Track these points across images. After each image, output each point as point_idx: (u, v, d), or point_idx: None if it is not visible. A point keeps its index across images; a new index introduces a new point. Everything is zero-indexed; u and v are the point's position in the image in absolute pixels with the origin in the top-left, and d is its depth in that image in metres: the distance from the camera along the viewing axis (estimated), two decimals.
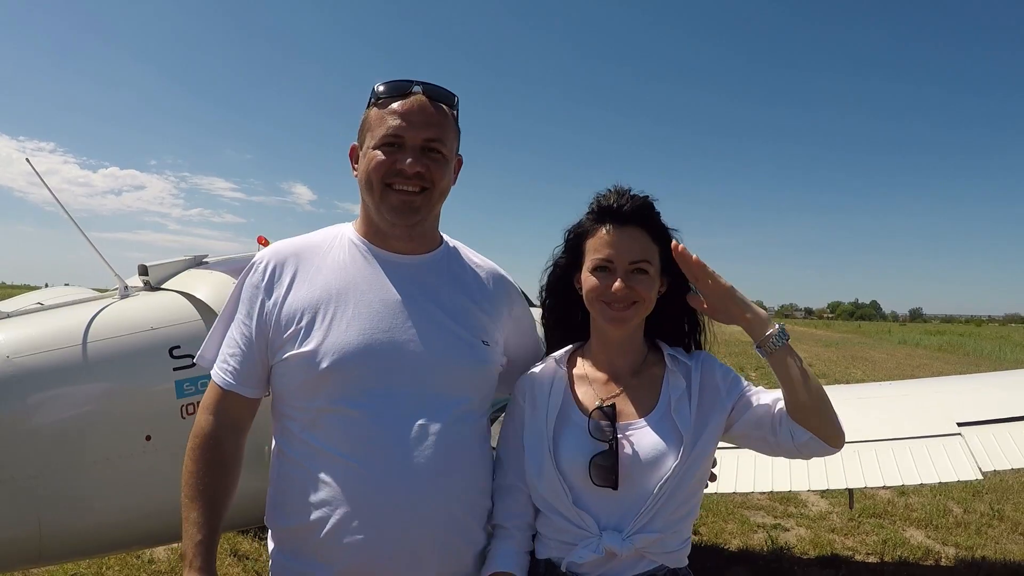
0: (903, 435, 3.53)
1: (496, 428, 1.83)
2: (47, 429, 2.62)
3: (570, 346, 1.81)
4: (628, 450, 1.60)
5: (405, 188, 1.64)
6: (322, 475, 1.59)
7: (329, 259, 1.71)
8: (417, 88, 1.67)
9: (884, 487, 3.70)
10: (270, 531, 1.72)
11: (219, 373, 1.69)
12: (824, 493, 6.56)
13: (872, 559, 5.25)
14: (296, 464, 1.65)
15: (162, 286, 3.29)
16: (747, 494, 5.26)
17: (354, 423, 1.59)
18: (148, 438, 2.76)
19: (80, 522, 2.71)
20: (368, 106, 1.71)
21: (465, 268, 1.81)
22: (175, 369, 2.82)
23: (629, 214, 1.68)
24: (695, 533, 5.50)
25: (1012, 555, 5.38)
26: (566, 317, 1.83)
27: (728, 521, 5.98)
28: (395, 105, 1.65)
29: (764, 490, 3.42)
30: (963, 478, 3.21)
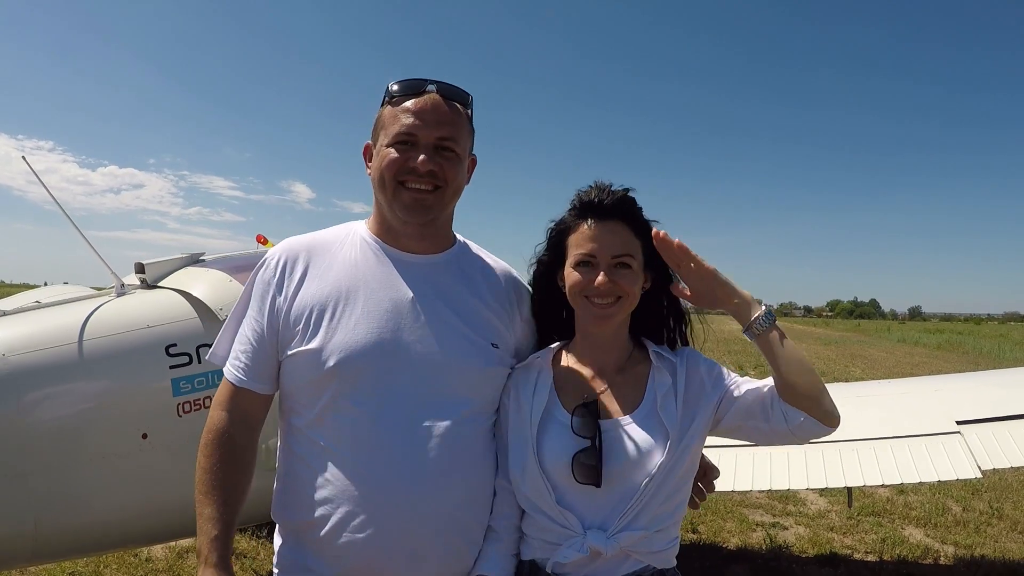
0: (902, 433, 3.52)
1: None
2: (43, 427, 2.62)
3: (556, 344, 1.79)
4: (612, 447, 1.58)
5: (418, 186, 1.64)
6: (325, 473, 1.60)
7: (340, 256, 1.70)
8: (431, 87, 1.66)
9: (883, 485, 3.70)
10: (277, 525, 1.73)
11: (231, 370, 1.70)
12: (823, 491, 6.56)
13: (871, 558, 5.25)
14: (301, 461, 1.65)
15: (159, 284, 3.28)
16: (746, 492, 5.26)
17: (358, 422, 1.59)
18: (144, 436, 2.76)
19: (76, 520, 2.71)
20: (382, 104, 1.70)
21: (477, 269, 1.80)
22: (171, 367, 2.81)
23: (610, 208, 1.67)
24: (694, 532, 5.53)
25: (1011, 553, 5.38)
26: (550, 315, 1.81)
27: (727, 519, 5.98)
28: (409, 103, 1.65)
29: (763, 488, 3.42)
30: (962, 476, 3.20)
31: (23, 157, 3.35)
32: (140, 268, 3.34)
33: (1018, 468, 3.23)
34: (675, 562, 1.67)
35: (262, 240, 4.41)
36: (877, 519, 6.10)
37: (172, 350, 2.83)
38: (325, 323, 1.62)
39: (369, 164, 1.73)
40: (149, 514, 2.88)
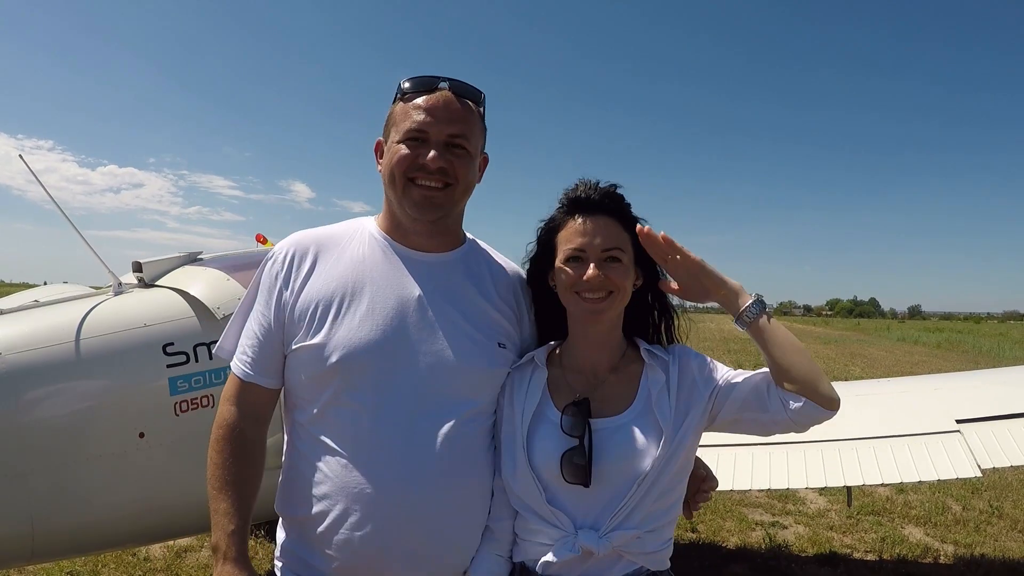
0: (902, 432, 3.51)
1: None
2: (40, 426, 2.62)
3: (550, 343, 1.78)
4: (603, 446, 1.57)
5: (427, 183, 1.63)
6: (326, 469, 1.60)
7: (348, 252, 1.70)
8: (443, 84, 1.65)
9: (883, 484, 3.69)
10: (280, 516, 1.73)
11: (238, 364, 1.70)
12: (823, 491, 6.55)
13: (871, 557, 5.24)
14: (303, 456, 1.66)
15: (156, 283, 3.27)
16: (745, 491, 5.25)
17: (358, 420, 1.59)
18: (141, 435, 2.75)
19: (74, 520, 2.70)
20: (394, 101, 1.69)
21: (485, 268, 1.79)
22: (169, 366, 2.80)
23: (598, 203, 1.67)
24: (693, 531, 5.52)
25: (1011, 552, 5.37)
26: (544, 316, 1.80)
27: (726, 519, 5.97)
28: (420, 100, 1.64)
29: (762, 487, 3.41)
30: (962, 475, 3.19)
31: (20, 156, 3.33)
32: (138, 267, 3.32)
33: (1018, 467, 3.22)
34: (669, 564, 1.66)
35: (261, 240, 4.40)
36: (877, 518, 6.09)
37: (169, 349, 2.83)
38: (329, 319, 1.61)
39: (380, 160, 1.72)
40: (147, 513, 2.87)
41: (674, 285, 1.71)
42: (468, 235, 1.83)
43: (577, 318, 1.70)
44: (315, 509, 1.60)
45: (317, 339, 1.60)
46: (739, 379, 1.65)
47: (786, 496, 6.55)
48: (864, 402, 4.03)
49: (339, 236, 1.74)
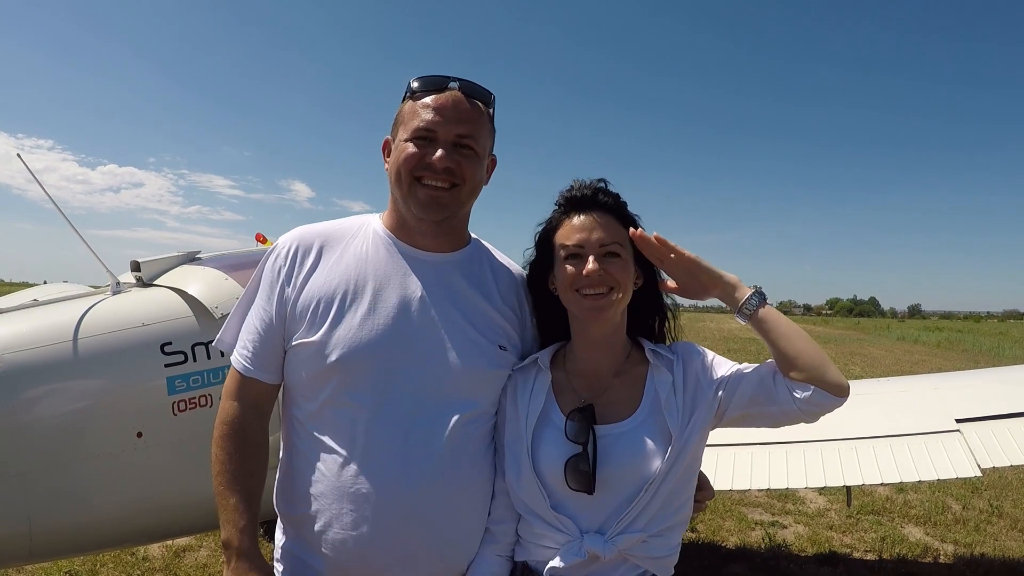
0: (901, 432, 3.51)
1: None
2: (37, 426, 2.61)
3: (553, 346, 1.77)
4: (608, 452, 1.56)
5: (434, 183, 1.62)
6: (322, 468, 1.60)
7: (352, 249, 1.69)
8: (453, 84, 1.64)
9: (882, 484, 3.69)
10: (279, 514, 1.73)
11: (239, 359, 1.69)
12: (822, 490, 6.55)
13: (870, 556, 5.24)
14: (300, 454, 1.65)
15: (154, 282, 3.26)
16: (745, 491, 5.24)
17: (356, 419, 1.58)
18: (139, 435, 2.75)
19: (71, 519, 2.70)
20: (403, 100, 1.69)
21: (489, 270, 1.77)
22: (166, 366, 2.80)
23: (595, 200, 1.66)
24: (692, 531, 5.51)
25: (1011, 552, 5.37)
26: (546, 321, 1.79)
27: (726, 518, 5.97)
28: (429, 99, 1.63)
29: (762, 487, 3.40)
30: (962, 475, 3.18)
31: (18, 155, 3.33)
32: (136, 266, 3.32)
33: (1018, 466, 3.22)
34: (673, 571, 1.65)
35: (261, 239, 4.40)
36: (876, 518, 6.09)
37: (167, 348, 2.82)
38: (331, 316, 1.60)
39: (387, 159, 1.71)
40: (145, 513, 2.87)
41: (672, 284, 1.70)
42: (473, 235, 1.82)
43: (579, 318, 1.68)
44: (312, 508, 1.60)
45: (317, 336, 1.60)
46: (744, 373, 1.64)
47: (786, 496, 6.55)
48: (864, 401, 4.02)
49: (343, 232, 1.73)
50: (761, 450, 3.52)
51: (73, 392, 2.69)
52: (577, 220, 1.65)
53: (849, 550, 5.34)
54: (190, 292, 3.01)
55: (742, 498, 6.42)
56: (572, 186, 1.69)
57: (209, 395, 2.84)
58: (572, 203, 1.67)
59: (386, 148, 1.73)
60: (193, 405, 2.81)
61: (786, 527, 5.85)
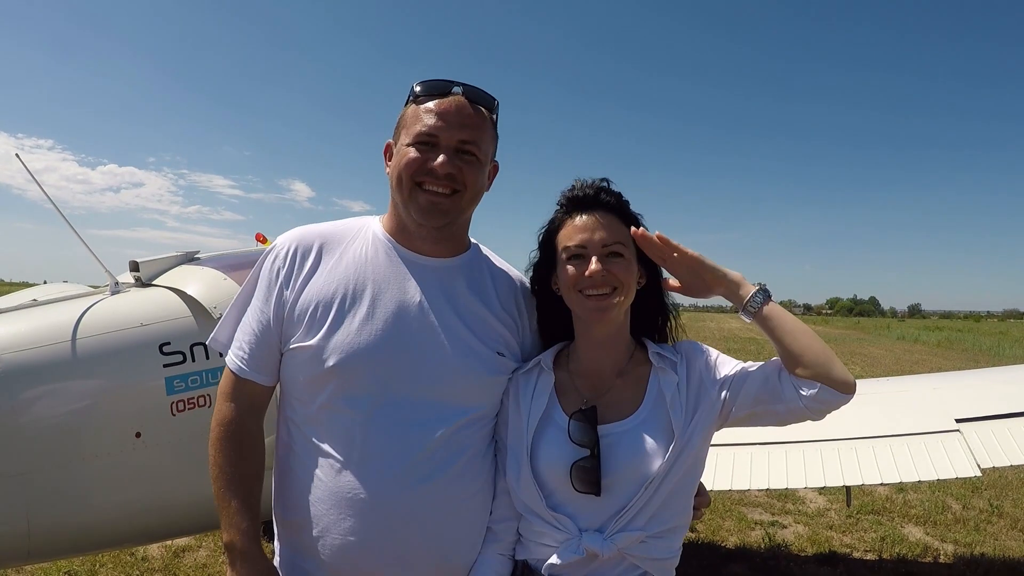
0: (901, 432, 3.50)
1: None
2: (36, 426, 2.60)
3: (556, 346, 1.77)
4: (610, 453, 1.55)
5: (435, 189, 1.60)
6: (318, 472, 1.59)
7: (351, 252, 1.67)
8: (457, 89, 1.63)
9: (882, 484, 3.69)
10: (274, 518, 1.72)
11: (234, 360, 1.68)
12: (822, 490, 6.54)
13: (870, 556, 5.23)
14: (296, 458, 1.64)
15: (153, 282, 3.26)
16: (744, 491, 5.24)
17: (352, 425, 1.57)
18: (138, 435, 2.74)
19: (70, 519, 2.69)
20: (406, 103, 1.67)
21: (489, 276, 1.76)
22: (165, 366, 2.79)
23: (597, 200, 1.65)
24: (692, 530, 5.50)
25: (1011, 552, 5.37)
26: (549, 323, 1.78)
27: (725, 518, 5.97)
28: (432, 104, 1.61)
29: (761, 487, 3.40)
30: (961, 475, 3.18)
31: (16, 155, 3.32)
32: (134, 266, 3.31)
33: (1018, 466, 3.22)
34: (675, 574, 1.64)
35: (261, 239, 4.39)
36: (876, 517, 6.09)
37: (166, 348, 2.81)
38: (329, 320, 1.59)
39: (389, 162, 1.70)
40: (144, 513, 2.86)
41: (675, 283, 1.70)
42: (473, 241, 1.81)
43: (582, 319, 1.67)
44: (308, 512, 1.59)
45: (315, 340, 1.58)
46: (749, 372, 1.63)
47: (785, 495, 6.55)
48: (864, 401, 4.01)
49: (343, 234, 1.71)
50: (761, 450, 3.52)
51: (72, 392, 2.69)
52: (579, 220, 1.64)
53: (849, 550, 5.34)
54: (189, 292, 3.01)
55: (742, 498, 6.42)
56: (574, 186, 1.69)
57: (208, 395, 2.83)
58: (574, 203, 1.67)
59: (388, 151, 1.71)
60: (192, 405, 2.81)
61: (786, 527, 5.85)
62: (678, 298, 1.78)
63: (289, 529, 1.66)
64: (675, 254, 1.63)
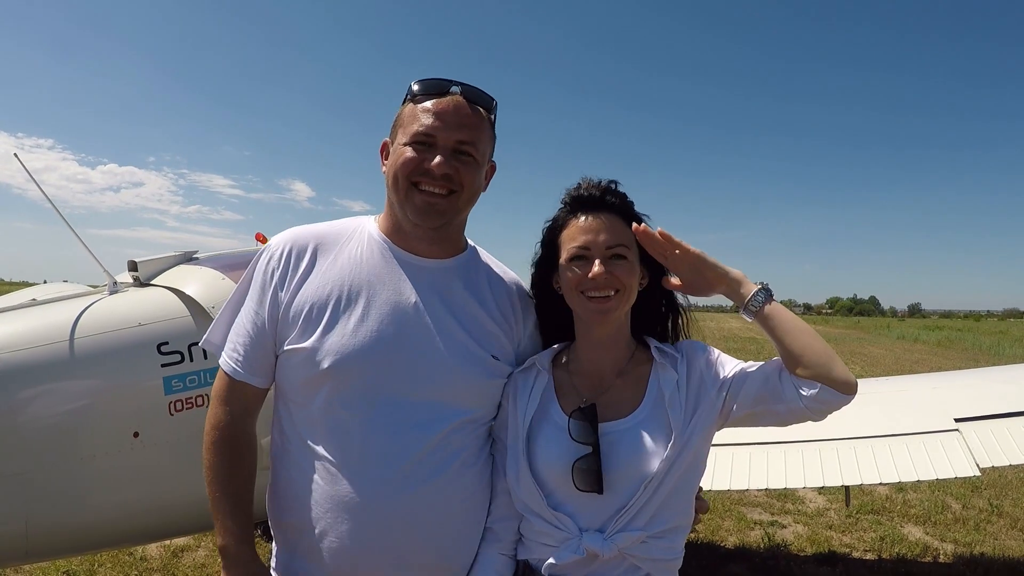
0: (901, 431, 3.50)
1: None
2: (33, 426, 2.60)
3: (556, 346, 1.76)
4: (610, 451, 1.54)
5: (431, 189, 1.59)
6: (315, 476, 1.58)
7: (346, 252, 1.66)
8: (455, 88, 1.61)
9: (881, 484, 3.68)
10: (270, 520, 1.71)
11: (228, 361, 1.66)
12: (821, 490, 6.54)
13: (870, 556, 5.23)
14: (293, 461, 1.63)
15: (151, 282, 3.26)
16: (744, 491, 5.23)
17: (348, 427, 1.56)
18: (136, 435, 2.74)
19: (68, 519, 2.69)
20: (403, 102, 1.66)
21: (485, 278, 1.75)
22: (163, 365, 2.79)
23: (602, 200, 1.64)
24: (691, 530, 5.49)
25: (1011, 551, 5.36)
26: (549, 322, 1.77)
27: (725, 518, 5.97)
28: (430, 104, 1.60)
29: (761, 487, 3.39)
30: (961, 475, 3.17)
31: (15, 154, 3.32)
32: (133, 266, 3.31)
33: (1017, 466, 3.21)
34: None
35: (261, 239, 4.38)
36: (876, 517, 6.09)
37: (164, 348, 2.81)
38: (324, 322, 1.58)
39: (385, 162, 1.68)
40: (142, 513, 2.86)
41: (676, 281, 1.69)
42: (470, 242, 1.79)
43: (583, 319, 1.66)
44: (304, 515, 1.58)
45: (310, 342, 1.57)
46: (750, 372, 1.62)
47: (785, 495, 6.54)
48: (863, 401, 4.00)
49: (338, 234, 1.70)
50: (760, 450, 3.52)
51: (70, 392, 2.68)
52: (583, 221, 1.63)
53: (848, 550, 5.34)
54: (187, 292, 3.01)
55: (741, 498, 6.41)
56: (580, 185, 1.68)
57: (206, 395, 2.83)
58: (579, 203, 1.66)
59: (384, 151, 1.70)
60: (190, 405, 2.80)
61: (785, 527, 5.85)
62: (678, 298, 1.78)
63: (285, 531, 1.66)
64: (677, 251, 1.62)
